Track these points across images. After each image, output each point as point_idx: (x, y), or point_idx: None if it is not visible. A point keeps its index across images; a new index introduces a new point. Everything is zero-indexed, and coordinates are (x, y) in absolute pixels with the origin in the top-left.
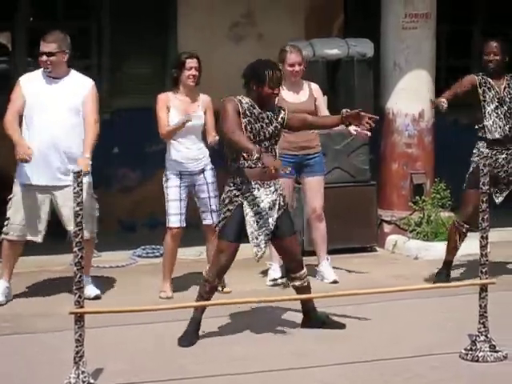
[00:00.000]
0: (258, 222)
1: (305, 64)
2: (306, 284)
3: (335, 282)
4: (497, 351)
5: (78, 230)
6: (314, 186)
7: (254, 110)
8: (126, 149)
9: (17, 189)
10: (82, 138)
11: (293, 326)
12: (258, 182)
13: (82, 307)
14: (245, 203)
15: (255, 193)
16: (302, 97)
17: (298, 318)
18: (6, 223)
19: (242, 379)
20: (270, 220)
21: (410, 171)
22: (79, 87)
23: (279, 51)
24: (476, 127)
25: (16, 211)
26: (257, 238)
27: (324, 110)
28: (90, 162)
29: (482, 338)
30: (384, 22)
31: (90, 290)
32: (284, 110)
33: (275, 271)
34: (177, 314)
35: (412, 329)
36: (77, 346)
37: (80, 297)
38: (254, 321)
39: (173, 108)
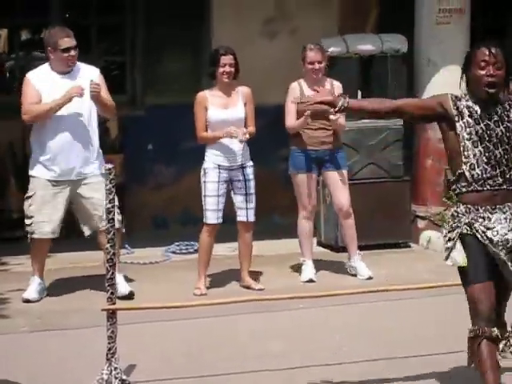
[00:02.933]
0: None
1: (326, 62)
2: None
3: (370, 278)
4: None
5: (110, 227)
6: (337, 180)
7: (476, 108)
8: (159, 145)
9: (35, 185)
10: (97, 128)
11: (325, 322)
12: (488, 207)
13: (114, 304)
14: (477, 234)
15: (485, 223)
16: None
17: (330, 313)
18: (29, 222)
19: (274, 376)
20: (502, 255)
21: (444, 167)
22: (89, 78)
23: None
24: None
25: (38, 208)
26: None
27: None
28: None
29: None
30: (418, 17)
31: (123, 287)
32: None
33: (308, 267)
34: (210, 310)
35: (447, 324)
36: (109, 343)
37: (112, 293)
38: (286, 318)
39: (211, 105)
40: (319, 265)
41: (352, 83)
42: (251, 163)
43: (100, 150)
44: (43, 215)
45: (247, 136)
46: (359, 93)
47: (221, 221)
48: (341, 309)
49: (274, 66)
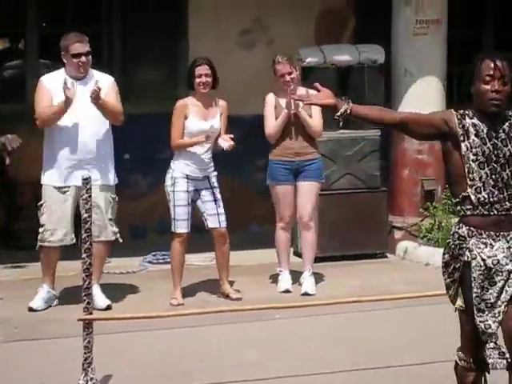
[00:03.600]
0: (486, 289)
1: (297, 71)
2: None
3: (306, 293)
4: (506, 358)
5: (87, 236)
6: (305, 191)
7: (482, 126)
8: (136, 155)
9: (45, 194)
10: (111, 138)
11: (300, 332)
12: (492, 233)
13: (90, 314)
14: (473, 263)
15: (487, 250)
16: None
17: (306, 324)
18: (41, 230)
19: None
20: (506, 286)
21: (421, 177)
22: (104, 86)
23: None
24: None
25: (49, 216)
26: (482, 311)
27: (314, 117)
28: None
29: (492, 344)
30: (395, 28)
31: (101, 300)
32: None
33: (285, 278)
34: (187, 320)
35: (423, 335)
36: (85, 353)
37: (89, 303)
38: (263, 327)
39: (191, 114)
40: (296, 275)
41: None
42: (215, 173)
43: (111, 161)
44: (52, 224)
45: (232, 142)
46: None
47: (189, 230)
48: (316, 319)
49: (252, 77)
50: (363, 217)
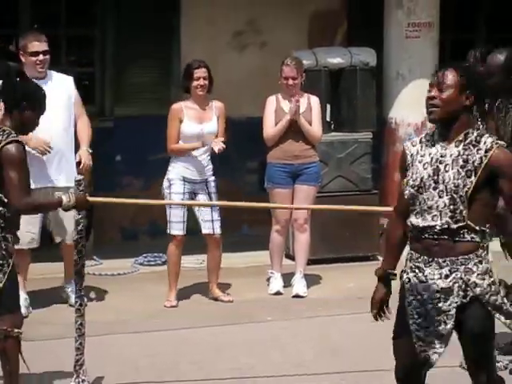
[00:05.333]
0: (423, 316)
1: (302, 78)
2: None
3: (297, 295)
4: (497, 361)
5: (79, 238)
6: (302, 194)
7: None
8: (128, 157)
9: None
10: (73, 139)
11: (292, 335)
12: (426, 257)
13: (82, 315)
14: (406, 286)
15: (419, 275)
16: (300, 108)
17: (297, 327)
18: None
19: None
20: (443, 316)
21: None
22: (66, 86)
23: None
24: None
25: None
26: (423, 341)
27: (314, 123)
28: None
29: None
30: (387, 31)
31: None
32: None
33: (277, 280)
34: (180, 322)
35: None
36: (77, 355)
37: (81, 305)
38: (254, 330)
39: (186, 118)
40: (287, 277)
41: (321, 96)
42: (214, 178)
43: (74, 161)
44: (23, 224)
45: (223, 145)
46: (328, 106)
47: (185, 232)
48: (308, 321)
49: (244, 79)
50: (355, 219)
